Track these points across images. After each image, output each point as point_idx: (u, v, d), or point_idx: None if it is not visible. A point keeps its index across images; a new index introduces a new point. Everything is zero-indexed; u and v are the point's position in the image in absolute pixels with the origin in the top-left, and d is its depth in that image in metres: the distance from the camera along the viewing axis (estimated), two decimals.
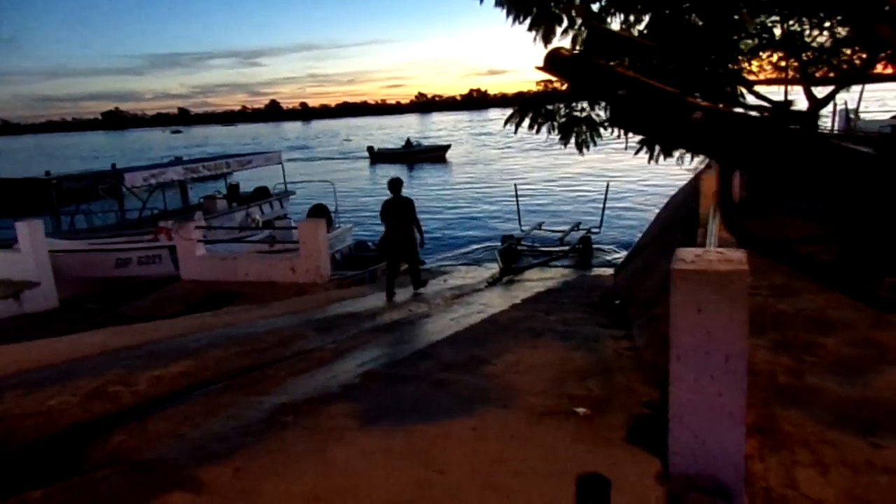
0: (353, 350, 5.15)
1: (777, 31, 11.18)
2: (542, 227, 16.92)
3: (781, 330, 4.82)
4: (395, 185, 8.64)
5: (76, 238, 14.49)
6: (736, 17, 4.96)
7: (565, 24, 5.14)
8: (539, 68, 1.17)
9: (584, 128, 8.51)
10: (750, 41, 11.42)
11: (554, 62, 1.12)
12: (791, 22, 10.89)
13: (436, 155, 49.70)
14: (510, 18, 5.15)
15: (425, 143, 55.14)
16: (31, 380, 3.82)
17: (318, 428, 3.14)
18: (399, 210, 8.50)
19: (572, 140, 8.78)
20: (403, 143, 53.61)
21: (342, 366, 4.56)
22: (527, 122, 8.34)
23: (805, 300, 5.45)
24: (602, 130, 8.82)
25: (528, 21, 5.27)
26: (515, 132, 8.67)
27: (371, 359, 4.77)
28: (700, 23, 5.00)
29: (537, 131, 8.39)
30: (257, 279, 10.70)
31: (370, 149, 53.64)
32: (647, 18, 5.33)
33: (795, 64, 12.15)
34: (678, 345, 2.63)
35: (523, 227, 16.64)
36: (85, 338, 5.40)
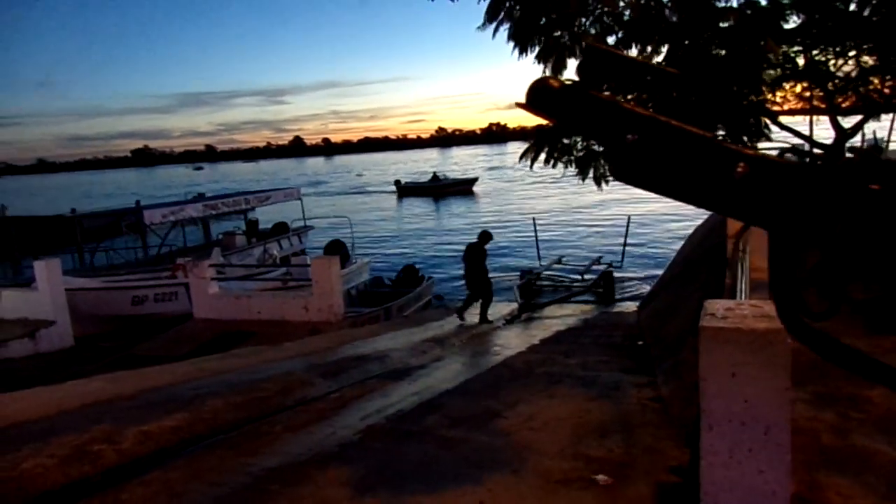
0: (357, 400, 4.86)
1: (801, 61, 10.90)
2: (562, 262, 16.56)
3: (822, 380, 4.41)
4: (483, 236, 9.99)
5: (95, 275, 14.53)
6: (762, 43, 4.69)
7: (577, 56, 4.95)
8: (520, 105, 0.92)
9: (601, 162, 8.26)
10: (773, 71, 11.14)
11: (540, 97, 0.87)
12: (815, 52, 10.61)
13: (463, 188, 49.69)
14: (517, 51, 4.98)
15: (439, 176, 54.76)
16: (11, 437, 3.59)
17: (307, 499, 2.84)
18: (473, 255, 9.86)
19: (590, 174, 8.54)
20: (430, 177, 53.62)
21: (344, 419, 4.27)
22: (543, 157, 8.15)
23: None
24: None
25: (533, 54, 5.11)
26: (531, 168, 8.47)
27: (375, 410, 4.47)
28: (722, 53, 4.75)
29: (553, 166, 8.16)
30: (270, 318, 10.51)
31: (397, 182, 53.81)
32: (665, 50, 5.11)
33: (821, 94, 11.81)
34: (710, 413, 2.31)
35: (542, 262, 16.30)
36: (79, 386, 5.18)
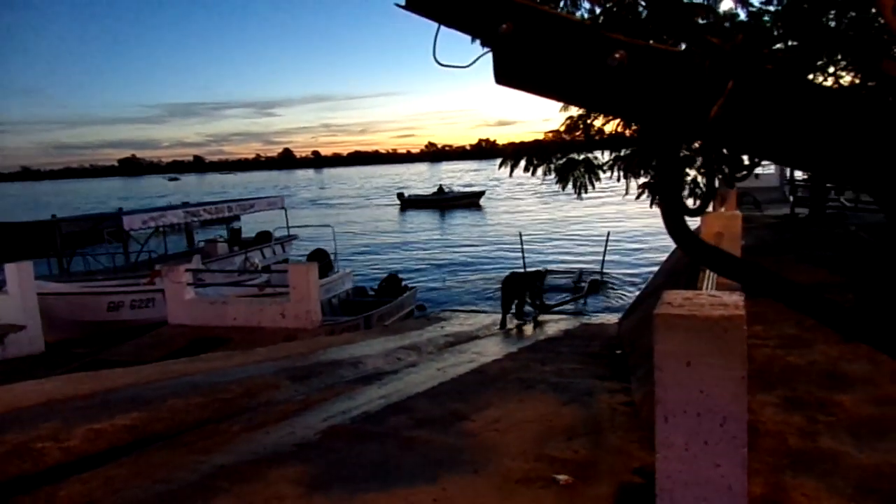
0: (323, 402, 4.74)
1: None
2: (546, 273, 16.57)
3: (792, 385, 4.37)
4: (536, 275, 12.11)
5: (72, 281, 14.26)
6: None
7: None
8: (399, 6, 0.85)
9: (581, 170, 8.22)
10: None
11: None
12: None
13: (469, 201, 48.55)
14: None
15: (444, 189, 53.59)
16: None
17: (254, 496, 2.72)
18: (519, 283, 11.38)
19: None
20: (436, 190, 52.49)
21: (306, 420, 4.15)
22: (522, 164, 8.09)
23: (818, 352, 5.00)
24: (601, 173, 8.52)
25: None
26: (510, 176, 8.42)
27: (339, 412, 4.35)
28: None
29: (532, 173, 8.11)
30: (246, 324, 10.32)
31: (400, 195, 52.49)
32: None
33: None
34: (665, 403, 2.23)
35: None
36: (34, 385, 5.01)
